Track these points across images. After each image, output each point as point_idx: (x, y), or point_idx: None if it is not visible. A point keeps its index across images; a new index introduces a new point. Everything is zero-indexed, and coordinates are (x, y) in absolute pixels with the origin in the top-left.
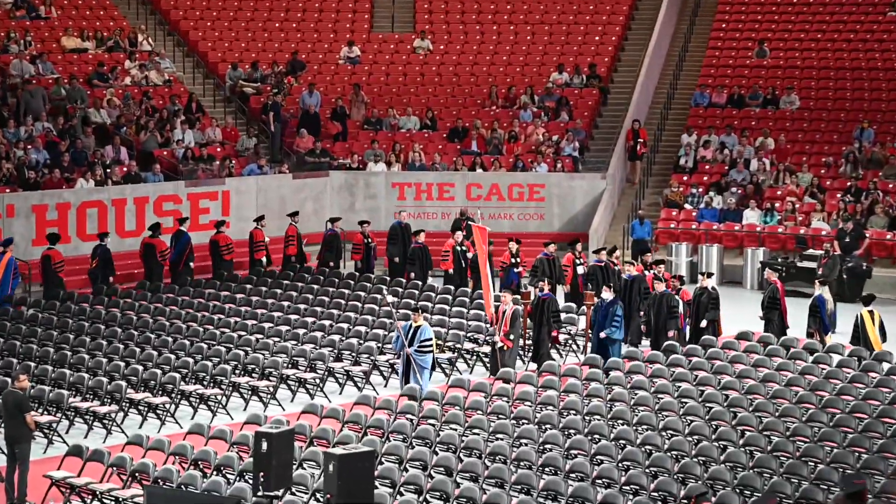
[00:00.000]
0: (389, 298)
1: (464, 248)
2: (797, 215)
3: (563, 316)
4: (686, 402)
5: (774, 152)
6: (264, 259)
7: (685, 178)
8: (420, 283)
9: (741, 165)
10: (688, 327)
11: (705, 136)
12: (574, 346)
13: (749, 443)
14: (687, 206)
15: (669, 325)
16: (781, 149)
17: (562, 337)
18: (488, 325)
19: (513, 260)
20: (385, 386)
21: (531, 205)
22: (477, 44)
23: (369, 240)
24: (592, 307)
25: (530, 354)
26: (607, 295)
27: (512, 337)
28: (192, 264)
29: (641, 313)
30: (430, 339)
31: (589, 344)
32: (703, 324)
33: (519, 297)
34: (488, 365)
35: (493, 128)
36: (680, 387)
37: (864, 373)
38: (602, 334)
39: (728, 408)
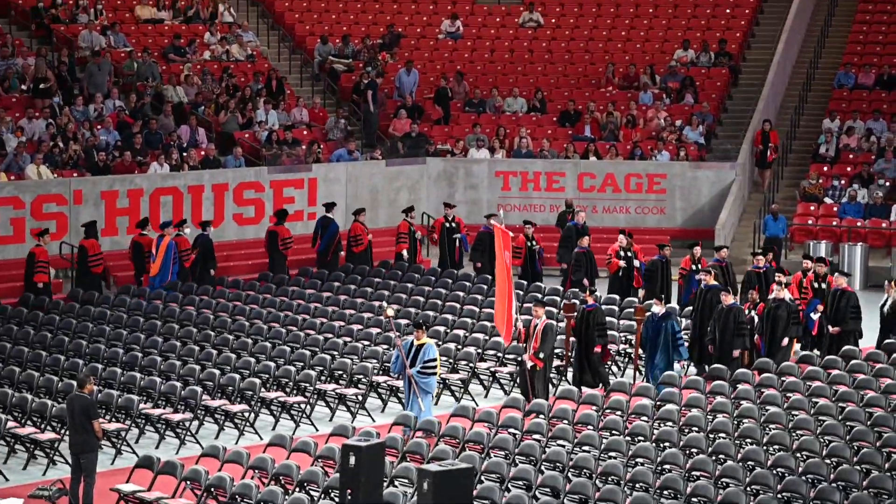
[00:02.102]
0: (390, 312)
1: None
2: None
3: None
4: (824, 421)
5: None
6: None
7: (826, 168)
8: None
9: (890, 154)
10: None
11: (849, 121)
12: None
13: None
14: (827, 199)
15: (736, 344)
16: None
17: (612, 351)
18: (505, 344)
19: (694, 266)
20: (382, 411)
21: (650, 197)
22: (593, 17)
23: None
24: (643, 322)
25: (572, 374)
26: (658, 308)
27: (542, 356)
28: (341, 253)
29: (708, 329)
30: (435, 360)
31: (636, 366)
32: (784, 341)
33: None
34: (518, 388)
35: (609, 111)
36: (817, 402)
37: None
38: (677, 365)
39: (872, 428)
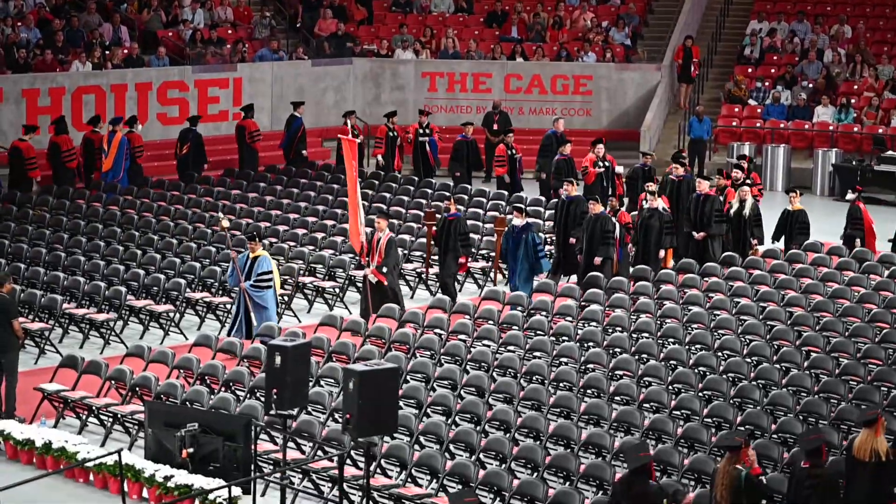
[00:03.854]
0: (225, 223)
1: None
2: (876, 113)
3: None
4: (746, 320)
5: (851, 41)
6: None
7: (750, 70)
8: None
9: (813, 56)
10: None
11: (774, 23)
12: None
13: (815, 365)
14: (751, 101)
15: (599, 252)
16: (859, 38)
17: (474, 265)
18: (357, 256)
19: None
20: (308, 312)
21: (577, 99)
22: None
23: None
24: (503, 233)
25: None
26: (518, 220)
27: (385, 270)
28: (304, 152)
29: (573, 240)
30: (270, 272)
31: (498, 274)
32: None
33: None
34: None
35: (536, 12)
36: (739, 303)
37: None
38: (542, 276)
39: (792, 327)
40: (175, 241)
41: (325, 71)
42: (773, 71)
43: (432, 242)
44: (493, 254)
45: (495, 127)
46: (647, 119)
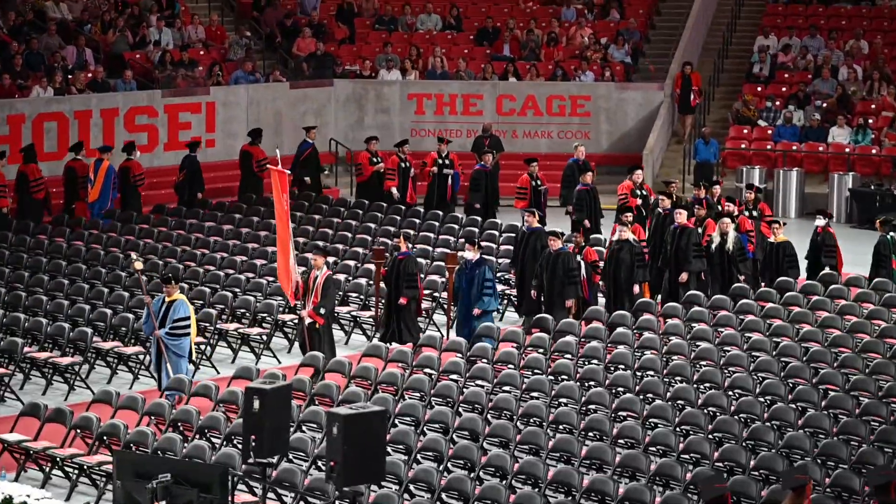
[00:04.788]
0: (138, 265)
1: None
2: None
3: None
4: (758, 356)
5: (868, 58)
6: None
7: (760, 88)
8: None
9: (827, 73)
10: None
11: (785, 38)
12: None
13: (833, 405)
14: (761, 122)
15: (567, 293)
16: (876, 53)
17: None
18: (290, 301)
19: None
20: (289, 352)
21: (574, 121)
22: None
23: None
24: (456, 270)
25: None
26: (471, 254)
27: (323, 311)
28: (307, 179)
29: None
30: (187, 318)
31: (449, 318)
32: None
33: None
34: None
35: (530, 28)
36: (751, 338)
37: None
38: (476, 311)
39: (808, 363)
40: (144, 277)
41: (305, 94)
42: (784, 89)
43: (381, 284)
44: (438, 294)
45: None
46: (650, 141)
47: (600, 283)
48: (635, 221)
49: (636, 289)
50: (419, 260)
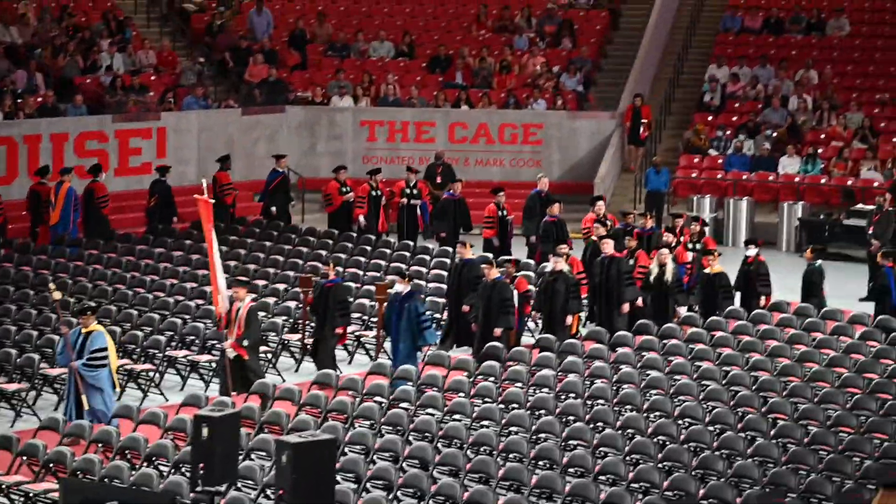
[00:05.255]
0: (56, 295)
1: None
2: (846, 163)
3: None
4: (708, 385)
5: (818, 88)
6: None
7: (710, 118)
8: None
9: (777, 103)
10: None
11: (735, 67)
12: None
13: (782, 434)
14: (712, 151)
15: (499, 322)
16: (826, 84)
17: (350, 336)
18: (215, 327)
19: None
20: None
21: (526, 149)
22: None
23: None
24: (386, 302)
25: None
26: (401, 287)
27: (246, 343)
28: (273, 209)
29: (466, 308)
30: (105, 349)
31: (378, 351)
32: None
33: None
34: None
35: (482, 56)
36: (700, 367)
37: None
38: (426, 348)
39: (757, 393)
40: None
41: (257, 120)
42: (734, 119)
43: (308, 310)
44: (372, 321)
45: (438, 180)
46: (601, 170)
47: (531, 314)
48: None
49: (568, 320)
50: (350, 285)
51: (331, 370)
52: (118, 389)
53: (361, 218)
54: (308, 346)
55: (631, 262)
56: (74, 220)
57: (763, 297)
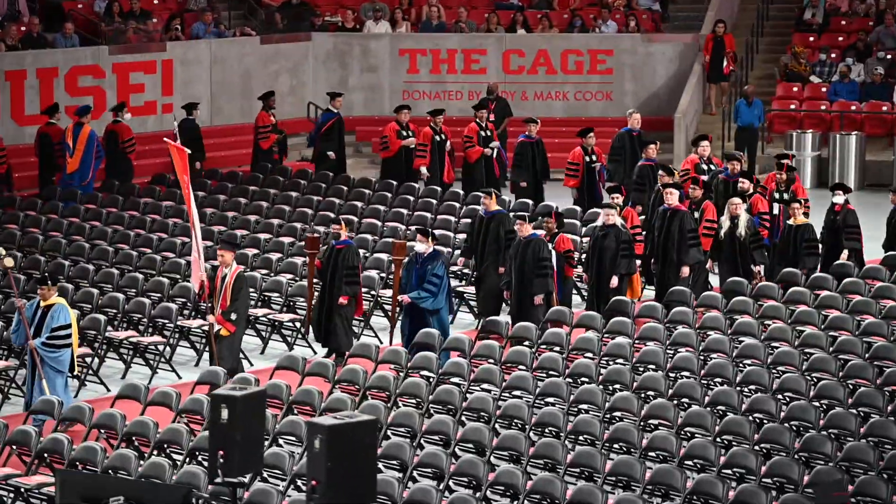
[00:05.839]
0: (8, 262)
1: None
2: None
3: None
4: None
5: None
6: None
7: (812, 39)
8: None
9: (891, 20)
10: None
11: None
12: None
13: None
14: (814, 78)
15: (536, 288)
16: None
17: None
18: (196, 296)
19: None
20: (262, 353)
21: (593, 79)
22: None
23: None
24: (404, 263)
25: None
26: (422, 246)
27: (234, 317)
28: (331, 153)
29: (501, 270)
30: (68, 326)
31: (392, 321)
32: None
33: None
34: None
35: None
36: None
37: None
38: (405, 298)
39: (872, 362)
40: (91, 267)
41: (278, 50)
42: (840, 39)
43: (315, 279)
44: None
45: (491, 117)
46: (683, 102)
47: (576, 276)
48: (705, 200)
49: (614, 281)
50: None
51: (365, 342)
52: (76, 374)
53: (423, 169)
54: (309, 321)
55: (696, 215)
56: (95, 170)
57: (844, 252)
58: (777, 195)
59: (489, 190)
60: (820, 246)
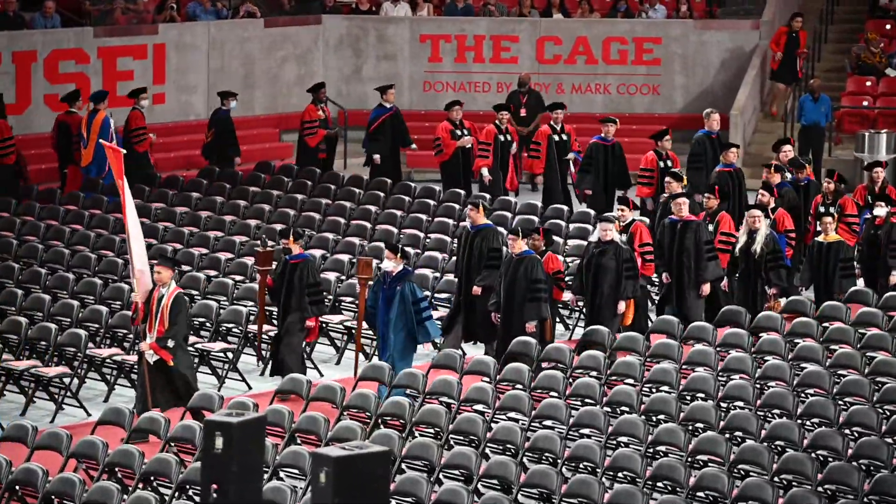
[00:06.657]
0: None
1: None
2: None
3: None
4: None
5: None
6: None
7: (888, 26)
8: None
9: None
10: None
11: None
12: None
13: None
14: (890, 71)
15: (528, 313)
16: None
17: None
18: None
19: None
20: (262, 374)
21: (639, 70)
22: None
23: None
24: (370, 283)
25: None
26: (390, 264)
27: (172, 344)
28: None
29: (477, 289)
30: None
31: (358, 347)
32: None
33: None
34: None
35: None
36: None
37: None
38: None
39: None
40: (71, 276)
41: (284, 34)
42: None
43: (266, 296)
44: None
45: (522, 112)
46: (740, 98)
47: (563, 299)
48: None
49: (621, 306)
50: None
51: (301, 375)
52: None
53: (485, 171)
54: (265, 345)
55: (711, 227)
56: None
57: (894, 274)
58: (822, 209)
59: (477, 200)
60: (856, 266)
